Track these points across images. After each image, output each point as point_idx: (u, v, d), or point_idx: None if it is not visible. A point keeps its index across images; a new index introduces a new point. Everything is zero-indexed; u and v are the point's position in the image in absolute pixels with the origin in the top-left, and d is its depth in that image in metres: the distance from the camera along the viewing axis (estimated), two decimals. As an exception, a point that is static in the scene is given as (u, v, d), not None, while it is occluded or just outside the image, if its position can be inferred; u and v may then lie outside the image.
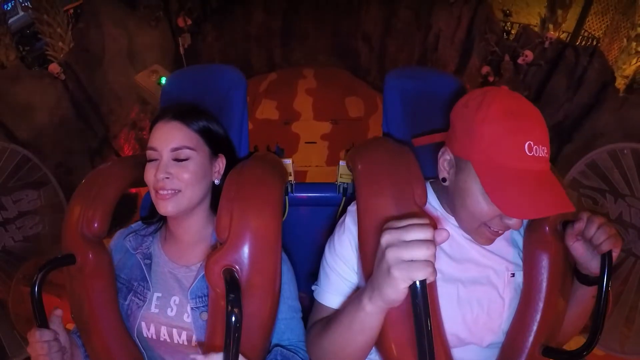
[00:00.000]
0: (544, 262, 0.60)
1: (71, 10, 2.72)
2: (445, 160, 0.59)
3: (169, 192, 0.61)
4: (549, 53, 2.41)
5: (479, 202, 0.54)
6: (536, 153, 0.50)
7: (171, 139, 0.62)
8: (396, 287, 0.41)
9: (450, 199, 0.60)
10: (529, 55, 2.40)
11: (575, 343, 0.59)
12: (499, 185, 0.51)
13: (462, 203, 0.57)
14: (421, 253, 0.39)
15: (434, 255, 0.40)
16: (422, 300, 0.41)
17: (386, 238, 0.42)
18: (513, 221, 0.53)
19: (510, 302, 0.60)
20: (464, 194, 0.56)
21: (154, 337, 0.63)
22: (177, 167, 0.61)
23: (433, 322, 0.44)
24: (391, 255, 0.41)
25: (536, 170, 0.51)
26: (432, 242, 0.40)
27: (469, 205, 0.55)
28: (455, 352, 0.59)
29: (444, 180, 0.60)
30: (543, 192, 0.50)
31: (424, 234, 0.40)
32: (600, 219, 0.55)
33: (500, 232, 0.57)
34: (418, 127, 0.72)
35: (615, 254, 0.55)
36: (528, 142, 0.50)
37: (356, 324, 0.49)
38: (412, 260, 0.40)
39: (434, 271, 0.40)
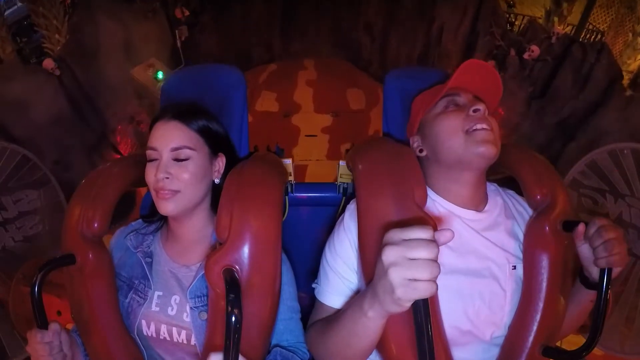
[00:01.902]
0: (544, 262, 0.60)
1: (67, 1, 2.67)
2: (415, 142, 0.68)
3: (169, 192, 0.60)
4: (556, 48, 2.36)
5: (444, 118, 0.62)
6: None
7: (171, 138, 0.61)
8: (400, 305, 0.41)
9: (434, 156, 0.65)
10: (535, 50, 2.36)
11: (575, 343, 0.59)
12: (437, 94, 0.64)
13: (440, 134, 0.62)
14: (426, 274, 0.38)
15: (439, 272, 0.39)
16: (422, 304, 0.41)
17: (388, 255, 0.40)
18: (477, 105, 0.60)
19: (511, 294, 0.61)
20: (435, 130, 0.63)
21: (154, 335, 0.64)
22: (177, 167, 0.61)
23: (433, 321, 0.45)
24: (395, 275, 0.39)
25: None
26: (436, 261, 0.39)
27: (443, 128, 0.62)
28: (460, 350, 0.59)
29: (421, 150, 0.67)
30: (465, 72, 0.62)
31: (428, 252, 0.39)
32: (610, 232, 0.53)
33: (480, 126, 0.60)
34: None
35: (616, 271, 0.54)
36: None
37: (358, 328, 0.49)
38: (415, 280, 0.39)
39: (437, 286, 0.39)
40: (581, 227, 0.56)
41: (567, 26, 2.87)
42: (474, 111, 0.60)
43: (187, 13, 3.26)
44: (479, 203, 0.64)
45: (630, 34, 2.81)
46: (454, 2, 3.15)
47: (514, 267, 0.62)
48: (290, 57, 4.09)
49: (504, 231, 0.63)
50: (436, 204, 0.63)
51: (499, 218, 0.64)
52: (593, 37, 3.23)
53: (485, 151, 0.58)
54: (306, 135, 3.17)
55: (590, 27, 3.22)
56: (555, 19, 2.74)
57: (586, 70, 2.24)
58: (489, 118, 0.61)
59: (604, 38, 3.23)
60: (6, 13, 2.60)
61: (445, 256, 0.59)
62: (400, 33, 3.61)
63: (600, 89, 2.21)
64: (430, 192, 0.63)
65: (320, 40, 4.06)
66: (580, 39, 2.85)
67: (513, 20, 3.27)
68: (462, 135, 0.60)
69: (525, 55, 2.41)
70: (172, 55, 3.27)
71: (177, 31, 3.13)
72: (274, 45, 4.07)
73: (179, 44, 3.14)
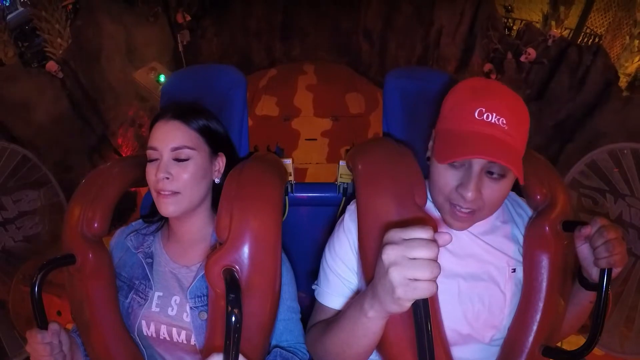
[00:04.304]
0: (544, 262, 0.60)
1: (70, 6, 2.70)
2: (432, 140, 0.61)
3: (169, 193, 0.61)
4: (552, 51, 2.39)
5: (437, 168, 0.55)
6: (487, 119, 0.51)
7: (171, 138, 0.61)
8: (400, 305, 0.41)
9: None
10: (532, 53, 2.38)
11: (575, 343, 0.59)
12: (444, 142, 0.54)
13: (430, 174, 0.58)
14: (427, 273, 0.38)
15: (439, 272, 0.39)
16: (422, 304, 0.41)
17: (389, 255, 0.40)
18: (468, 192, 0.51)
19: (511, 297, 0.60)
20: (431, 165, 0.57)
21: (154, 335, 0.64)
22: (177, 167, 0.61)
23: (433, 321, 0.45)
24: (395, 275, 0.39)
25: (485, 133, 0.51)
26: (437, 261, 0.39)
27: (431, 174, 0.57)
28: (458, 350, 0.59)
29: (428, 159, 0.61)
30: (481, 144, 0.50)
31: (429, 252, 0.38)
32: (611, 232, 0.53)
33: (462, 209, 0.54)
34: (418, 127, 0.72)
35: (616, 271, 0.54)
36: (479, 109, 0.51)
37: (358, 328, 0.49)
38: (416, 280, 0.39)
39: (437, 286, 0.39)
40: (587, 229, 0.55)
41: (565, 30, 2.90)
42: (462, 196, 0.53)
43: (188, 18, 3.29)
44: None
45: (628, 37, 2.83)
46: (452, 6, 3.18)
47: (514, 270, 0.61)
48: (290, 61, 4.13)
49: (502, 235, 0.63)
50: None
51: (497, 222, 0.64)
52: (590, 40, 3.26)
53: (456, 225, 0.57)
54: (306, 139, 3.18)
55: (588, 30, 3.25)
56: (553, 22, 2.77)
57: (582, 73, 2.26)
58: (485, 193, 0.53)
59: (601, 41, 3.26)
60: (8, 17, 2.63)
61: (445, 260, 0.59)
62: (398, 37, 3.64)
63: (597, 90, 2.22)
64: (430, 195, 0.64)
65: (320, 45, 4.10)
66: (578, 43, 2.87)
67: (511, 25, 3.30)
68: (443, 198, 0.56)
69: (522, 58, 2.43)
70: (174, 59, 3.29)
71: (178, 35, 3.16)
72: (274, 50, 4.10)
73: (180, 48, 3.16)
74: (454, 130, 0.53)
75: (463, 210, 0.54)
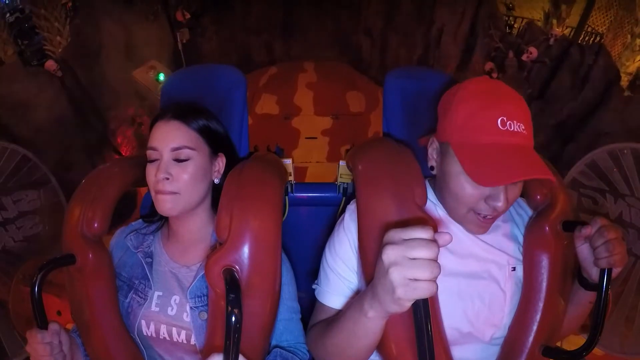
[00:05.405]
0: (544, 262, 0.60)
1: (69, 4, 2.69)
2: (433, 149, 0.61)
3: (168, 193, 0.61)
4: (554, 50, 2.38)
5: (461, 183, 0.55)
6: (510, 128, 0.51)
7: (171, 138, 0.61)
8: (400, 305, 0.41)
9: (439, 188, 0.60)
10: (533, 52, 2.38)
11: (575, 343, 0.59)
12: (474, 160, 0.52)
13: (447, 187, 0.57)
14: (427, 273, 0.38)
15: (439, 272, 0.39)
16: (422, 304, 0.41)
17: (389, 255, 0.40)
18: (499, 203, 0.52)
19: (511, 296, 0.60)
20: (447, 178, 0.57)
21: (154, 335, 0.64)
22: (177, 167, 0.61)
23: (433, 321, 0.45)
24: (396, 275, 0.39)
25: (512, 143, 0.52)
26: (437, 261, 0.39)
27: (453, 189, 0.56)
28: (459, 349, 0.59)
29: (432, 168, 0.61)
30: (517, 160, 0.51)
31: (429, 252, 0.39)
32: (611, 232, 0.53)
33: (488, 216, 0.55)
34: (418, 127, 0.72)
35: (616, 271, 0.54)
36: (501, 118, 0.51)
37: (358, 328, 0.49)
38: (416, 280, 0.39)
39: (437, 286, 0.39)
40: (587, 229, 0.55)
41: (566, 28, 2.89)
42: (493, 207, 0.54)
43: (188, 16, 3.28)
44: None
45: (629, 36, 2.82)
46: (453, 5, 3.17)
47: (514, 269, 0.61)
48: (290, 59, 4.11)
49: (502, 234, 0.63)
50: (437, 207, 0.63)
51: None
52: (592, 39, 3.25)
53: (477, 231, 0.59)
54: (306, 138, 3.18)
55: (589, 29, 3.24)
56: (554, 21, 2.76)
57: (584, 72, 2.25)
58: (510, 198, 0.54)
59: (602, 40, 3.25)
60: (8, 15, 2.61)
61: (445, 259, 0.59)
62: (399, 36, 3.63)
63: (599, 90, 2.22)
64: (431, 195, 0.64)
65: (321, 43, 4.09)
66: (579, 42, 2.86)
67: (512, 23, 3.29)
68: (467, 209, 0.56)
69: (524, 57, 2.43)
70: (173, 58, 3.29)
71: (178, 34, 3.15)
72: (274, 48, 4.09)
73: (180, 47, 3.16)
74: (481, 146, 0.52)
75: (488, 217, 0.56)
